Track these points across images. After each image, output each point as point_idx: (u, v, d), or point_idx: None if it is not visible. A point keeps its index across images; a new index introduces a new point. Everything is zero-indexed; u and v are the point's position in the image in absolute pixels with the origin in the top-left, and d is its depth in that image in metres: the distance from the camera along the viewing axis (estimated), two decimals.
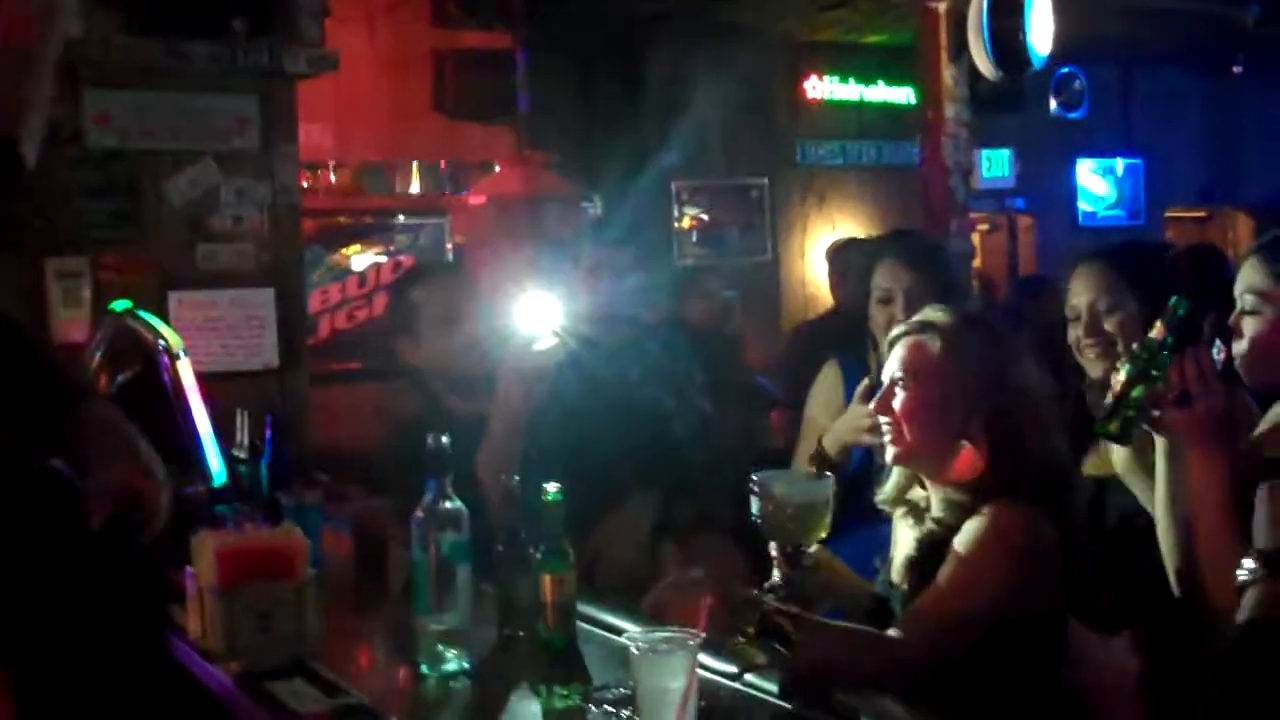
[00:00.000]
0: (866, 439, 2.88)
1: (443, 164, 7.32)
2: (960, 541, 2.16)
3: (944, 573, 2.15)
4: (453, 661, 2.24)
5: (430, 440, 2.27)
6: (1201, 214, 12.20)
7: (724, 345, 5.71)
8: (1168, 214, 11.71)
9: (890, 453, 2.32)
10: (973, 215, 8.26)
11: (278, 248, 4.51)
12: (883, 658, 2.13)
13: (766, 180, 9.34)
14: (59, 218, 4.15)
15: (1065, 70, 10.36)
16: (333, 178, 7.12)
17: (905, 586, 2.27)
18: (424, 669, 2.24)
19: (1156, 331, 2.18)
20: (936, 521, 2.26)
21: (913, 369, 2.29)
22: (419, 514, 2.26)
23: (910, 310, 2.80)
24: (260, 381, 4.40)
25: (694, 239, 9.18)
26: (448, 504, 2.27)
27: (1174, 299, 2.17)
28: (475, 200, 7.12)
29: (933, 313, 2.36)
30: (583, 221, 6.82)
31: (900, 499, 2.38)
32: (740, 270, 8.66)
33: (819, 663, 2.07)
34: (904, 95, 9.65)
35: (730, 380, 5.11)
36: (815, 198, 9.66)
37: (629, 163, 7.97)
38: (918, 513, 2.31)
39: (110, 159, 4.24)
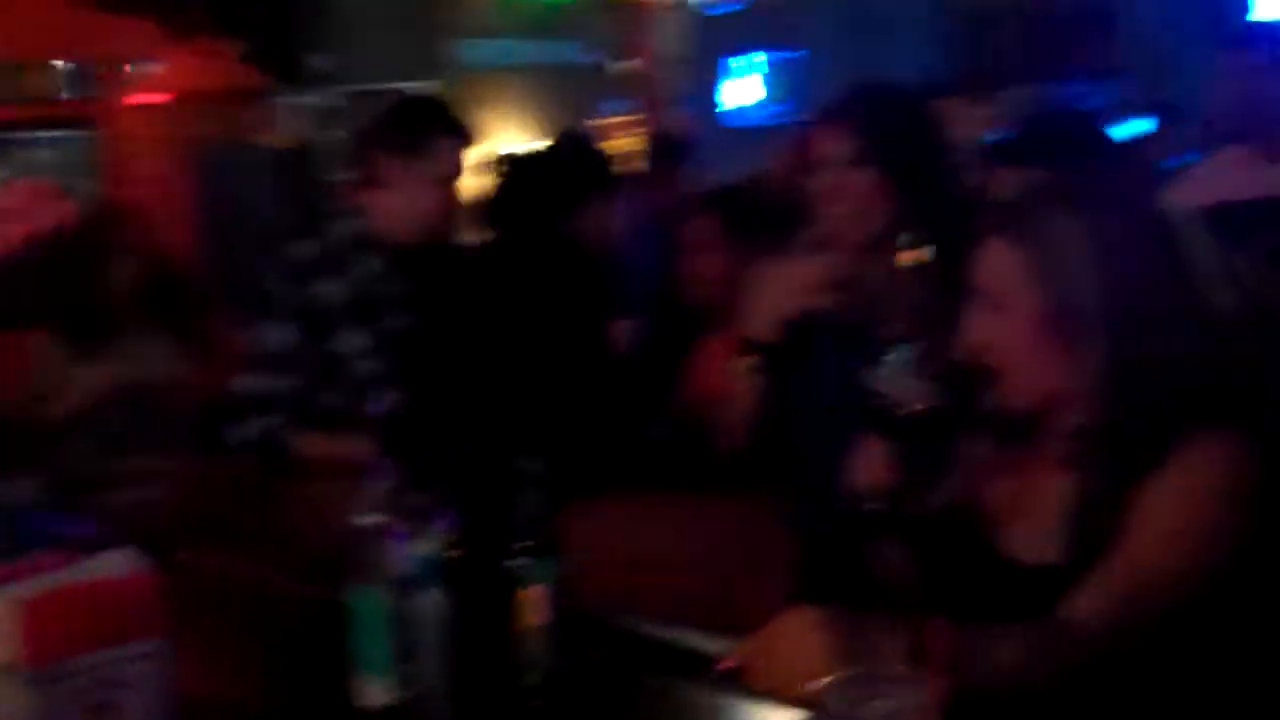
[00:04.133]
0: (820, 300, 2.27)
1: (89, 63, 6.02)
2: (1163, 485, 1.59)
3: (1142, 526, 1.59)
4: None
5: None
6: None
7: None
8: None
9: (1005, 397, 1.73)
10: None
11: None
12: (1073, 649, 1.56)
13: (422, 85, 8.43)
14: None
15: None
16: None
17: (1060, 555, 1.67)
18: None
19: None
20: (1097, 471, 1.66)
21: (1001, 281, 1.70)
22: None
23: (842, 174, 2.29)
24: None
25: None
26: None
27: None
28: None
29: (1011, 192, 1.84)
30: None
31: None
32: None
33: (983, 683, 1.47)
34: None
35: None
36: (475, 102, 8.85)
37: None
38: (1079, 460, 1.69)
39: None
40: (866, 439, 1.83)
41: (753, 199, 3.38)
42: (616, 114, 8.59)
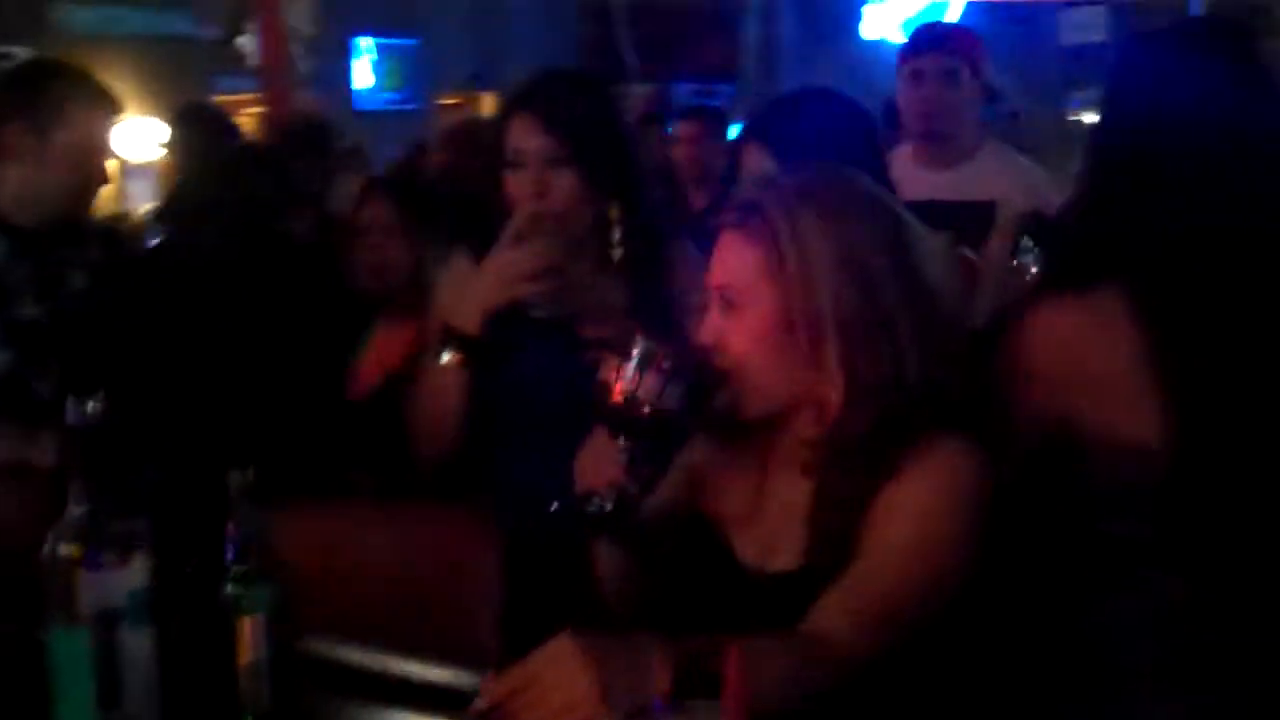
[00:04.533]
0: (526, 290, 2.17)
1: None
2: (899, 495, 1.56)
3: (880, 538, 1.55)
4: None
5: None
6: (457, 100, 12.08)
7: None
8: (441, 99, 11.45)
9: (739, 403, 1.65)
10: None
11: None
12: (823, 666, 1.48)
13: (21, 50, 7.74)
14: None
15: None
16: None
17: (796, 563, 1.62)
18: None
19: None
20: (834, 476, 1.61)
21: (739, 278, 1.64)
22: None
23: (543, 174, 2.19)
24: None
25: None
26: None
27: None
28: None
29: (752, 185, 1.72)
30: None
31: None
32: None
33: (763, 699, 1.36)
34: None
35: None
36: None
37: None
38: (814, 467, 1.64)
39: None
40: (593, 436, 1.70)
41: (425, 186, 3.24)
42: (236, 92, 8.15)
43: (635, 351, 1.60)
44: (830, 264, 1.58)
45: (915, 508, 1.55)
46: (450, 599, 2.01)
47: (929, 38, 3.48)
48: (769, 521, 1.67)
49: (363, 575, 2.01)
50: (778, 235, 1.59)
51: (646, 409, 1.59)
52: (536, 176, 2.22)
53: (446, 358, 2.19)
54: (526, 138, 2.24)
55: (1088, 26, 8.52)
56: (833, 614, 1.52)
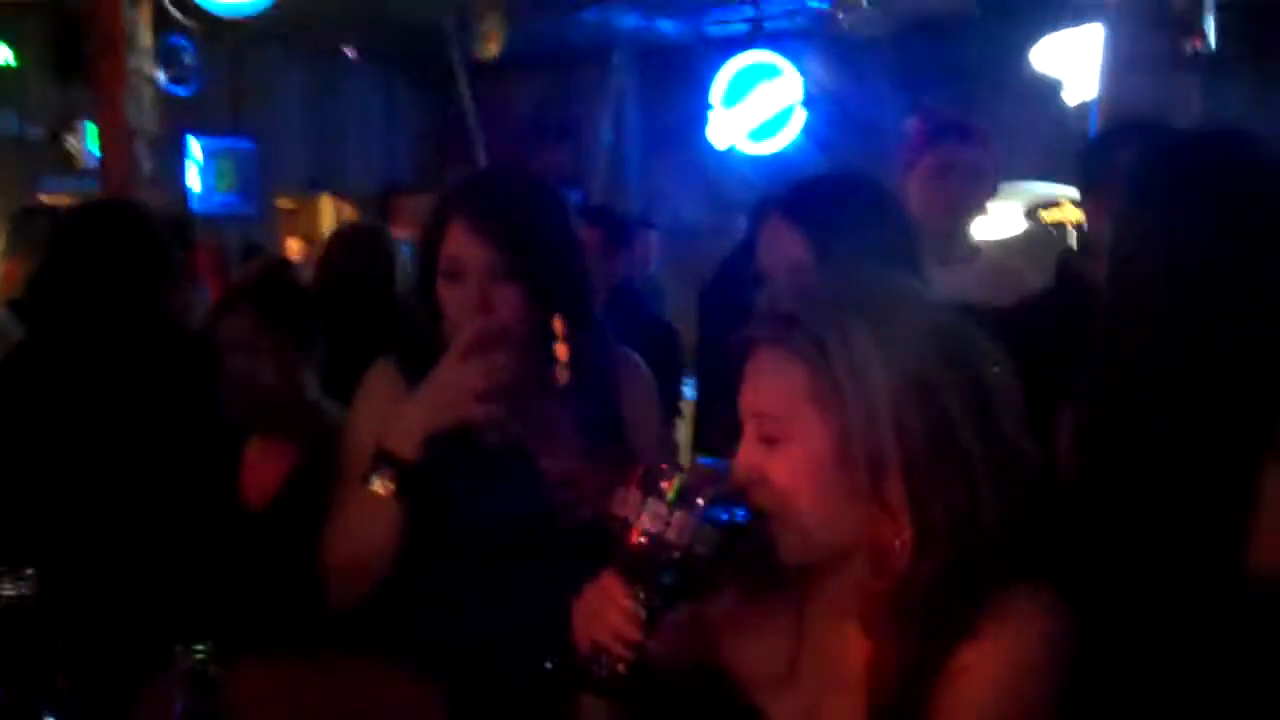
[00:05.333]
0: (476, 412, 1.96)
1: None
2: (977, 658, 1.34)
3: (960, 709, 1.34)
4: None
5: None
6: (294, 203, 11.79)
7: None
8: (279, 202, 11.14)
9: (781, 547, 1.42)
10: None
11: None
12: None
13: None
14: None
15: (173, 41, 9.33)
16: None
17: None
18: None
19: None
20: (899, 635, 1.37)
21: (781, 405, 1.42)
22: None
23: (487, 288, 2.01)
24: None
25: None
26: None
27: None
28: None
29: (787, 293, 1.47)
30: None
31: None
32: None
33: None
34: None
35: None
36: None
37: None
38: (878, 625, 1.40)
39: None
40: (599, 581, 1.44)
41: (292, 293, 2.97)
42: (68, 192, 7.77)
43: (664, 484, 1.38)
44: (891, 386, 1.36)
45: (998, 673, 1.34)
46: None
47: (960, 129, 3.19)
48: (811, 686, 1.46)
49: None
50: (828, 354, 1.38)
51: (676, 553, 1.36)
52: (480, 289, 2.02)
53: (378, 485, 1.97)
54: (467, 247, 2.04)
55: None
56: None
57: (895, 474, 1.36)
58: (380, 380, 2.16)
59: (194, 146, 10.35)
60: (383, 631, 2.05)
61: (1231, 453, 1.69)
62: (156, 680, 1.73)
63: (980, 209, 3.20)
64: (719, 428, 1.93)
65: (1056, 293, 2.78)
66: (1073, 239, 8.40)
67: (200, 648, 1.45)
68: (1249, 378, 1.70)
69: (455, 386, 1.96)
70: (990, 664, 1.34)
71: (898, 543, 1.37)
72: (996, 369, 1.42)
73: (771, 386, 1.43)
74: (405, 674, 1.91)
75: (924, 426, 1.36)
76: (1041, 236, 9.20)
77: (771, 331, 1.43)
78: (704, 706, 1.50)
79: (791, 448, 1.40)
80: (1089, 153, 2.94)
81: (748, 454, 1.43)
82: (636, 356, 2.23)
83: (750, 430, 1.44)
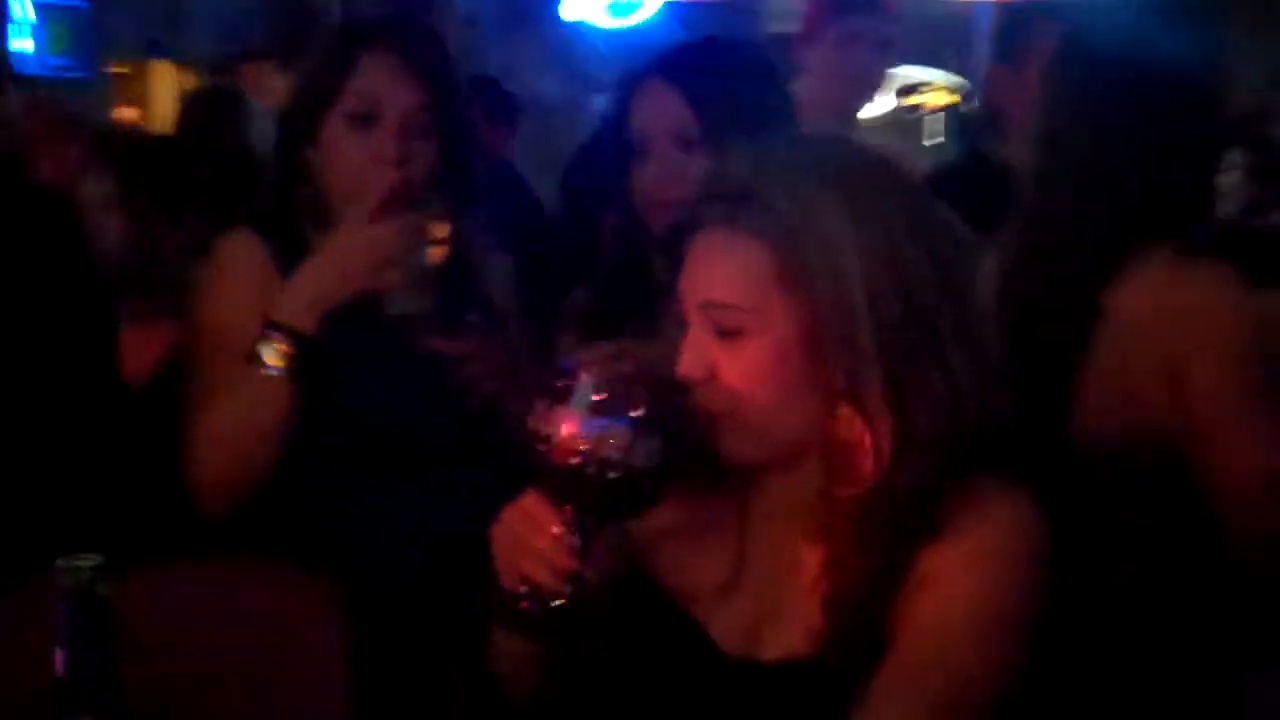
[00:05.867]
0: (385, 279, 1.82)
1: None
2: (945, 560, 1.26)
3: (929, 615, 1.26)
4: None
5: None
6: (129, 69, 11.28)
7: None
8: (114, 68, 10.64)
9: (722, 445, 1.31)
10: None
11: None
12: None
13: None
14: None
15: None
16: None
17: (803, 651, 1.32)
18: None
19: None
20: (859, 541, 1.28)
21: (739, 294, 1.29)
22: None
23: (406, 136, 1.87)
24: None
25: None
26: None
27: None
28: None
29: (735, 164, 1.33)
30: None
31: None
32: None
33: None
34: None
35: None
36: None
37: None
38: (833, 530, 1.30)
39: None
40: (521, 504, 1.28)
41: (163, 150, 2.81)
42: None
43: (594, 395, 1.21)
44: (864, 264, 1.24)
45: (969, 574, 1.26)
46: (291, 682, 1.74)
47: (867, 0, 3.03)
48: (758, 595, 1.37)
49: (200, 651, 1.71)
50: (794, 231, 1.25)
51: (614, 473, 1.20)
52: (399, 136, 1.85)
53: (271, 358, 1.79)
54: (389, 85, 1.86)
55: (795, 14, 8.62)
56: (885, 712, 1.23)
57: (870, 363, 1.25)
58: (241, 250, 1.96)
59: (26, 4, 9.82)
60: (273, 538, 1.92)
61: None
62: (18, 593, 1.66)
63: (880, 84, 3.15)
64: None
65: (965, 167, 2.98)
66: (935, 122, 8.53)
67: (86, 562, 1.30)
68: (1151, 223, 1.87)
69: (363, 250, 1.80)
70: (961, 565, 1.27)
71: (866, 440, 1.27)
72: (958, 240, 1.33)
73: (726, 273, 1.30)
74: (308, 579, 1.80)
75: (899, 307, 1.25)
76: (902, 119, 9.29)
77: (721, 211, 1.30)
78: (633, 622, 1.40)
79: (752, 339, 1.30)
80: (1007, 29, 2.99)
81: (696, 349, 1.32)
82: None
83: (698, 322, 1.32)
